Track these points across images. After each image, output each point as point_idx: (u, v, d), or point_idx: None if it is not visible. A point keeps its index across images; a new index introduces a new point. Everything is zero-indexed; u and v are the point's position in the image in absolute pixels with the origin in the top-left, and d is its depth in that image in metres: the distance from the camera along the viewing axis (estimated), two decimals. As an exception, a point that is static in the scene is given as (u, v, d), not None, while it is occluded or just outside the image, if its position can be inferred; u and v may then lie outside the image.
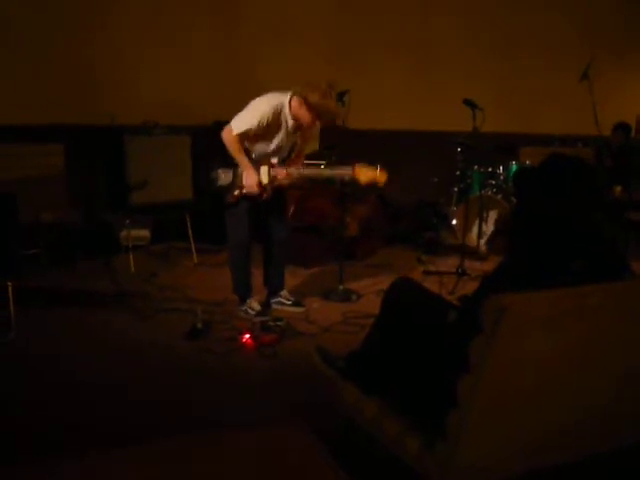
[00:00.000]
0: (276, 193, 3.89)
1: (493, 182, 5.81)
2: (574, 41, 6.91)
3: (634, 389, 1.99)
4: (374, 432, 2.10)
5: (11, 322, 3.57)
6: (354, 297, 4.43)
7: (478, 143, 5.16)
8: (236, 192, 3.81)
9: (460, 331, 1.89)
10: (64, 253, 4.88)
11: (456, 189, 6.08)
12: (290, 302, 4.16)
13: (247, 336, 3.56)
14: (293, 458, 1.87)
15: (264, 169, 3.78)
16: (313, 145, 5.14)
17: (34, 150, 4.71)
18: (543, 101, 6.90)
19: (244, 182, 3.78)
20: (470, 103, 4.71)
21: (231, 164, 3.80)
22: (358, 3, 6.55)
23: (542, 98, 6.91)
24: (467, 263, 4.92)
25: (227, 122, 3.72)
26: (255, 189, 3.75)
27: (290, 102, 3.63)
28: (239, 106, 3.71)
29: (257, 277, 4.17)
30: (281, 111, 3.64)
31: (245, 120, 3.63)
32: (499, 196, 5.72)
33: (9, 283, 3.59)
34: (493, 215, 5.63)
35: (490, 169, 5.85)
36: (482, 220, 5.37)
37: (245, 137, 3.69)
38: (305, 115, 3.61)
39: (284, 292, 4.19)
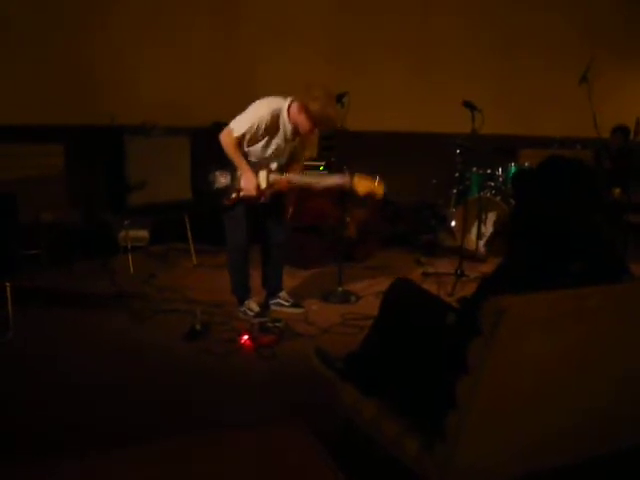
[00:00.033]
0: (274, 196, 3.89)
1: (492, 184, 5.82)
2: (574, 41, 6.92)
3: (633, 391, 2.00)
4: (373, 433, 2.10)
5: (9, 322, 3.56)
6: (353, 298, 4.44)
7: (477, 145, 5.16)
8: (234, 195, 3.81)
9: (459, 333, 1.90)
10: (64, 253, 4.87)
11: (455, 191, 6.10)
12: (289, 303, 4.16)
13: (246, 337, 3.56)
14: (292, 458, 1.87)
15: (262, 173, 3.78)
16: (311, 152, 5.15)
17: (34, 150, 4.71)
18: (542, 103, 6.91)
19: (242, 185, 3.77)
20: (469, 105, 4.72)
21: (229, 167, 3.79)
22: (358, 3, 6.56)
23: (542, 99, 6.92)
24: (466, 265, 4.91)
25: (226, 123, 3.73)
26: (253, 192, 3.75)
27: (289, 108, 3.64)
28: (239, 107, 3.72)
29: (255, 278, 4.18)
30: (279, 116, 3.65)
31: (244, 122, 3.64)
32: (498, 198, 5.72)
33: (7, 283, 3.58)
34: (492, 217, 5.63)
35: (489, 171, 5.87)
36: (481, 222, 5.38)
37: (243, 140, 3.69)
38: (304, 122, 3.61)
39: (283, 293, 4.20)
